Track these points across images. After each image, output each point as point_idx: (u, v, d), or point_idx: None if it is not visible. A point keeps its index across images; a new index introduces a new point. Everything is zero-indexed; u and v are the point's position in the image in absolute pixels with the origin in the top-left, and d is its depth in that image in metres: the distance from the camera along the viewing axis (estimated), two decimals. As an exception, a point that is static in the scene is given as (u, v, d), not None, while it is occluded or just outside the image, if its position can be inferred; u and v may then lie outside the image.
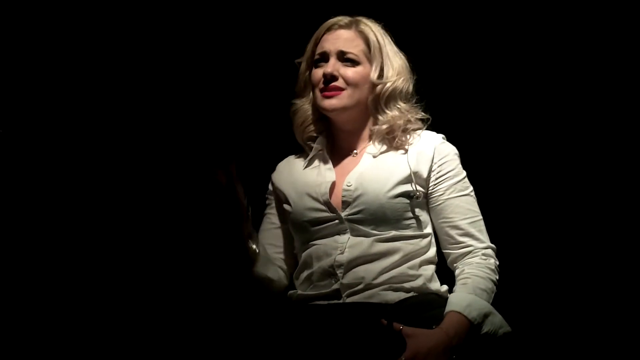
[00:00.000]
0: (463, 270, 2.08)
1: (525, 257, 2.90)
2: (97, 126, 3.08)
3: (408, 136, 2.16)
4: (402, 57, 2.21)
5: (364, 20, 2.22)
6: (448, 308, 2.00)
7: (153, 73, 3.10)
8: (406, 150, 2.14)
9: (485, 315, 2.00)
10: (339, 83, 2.13)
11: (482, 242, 2.11)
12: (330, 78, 2.13)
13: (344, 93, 2.13)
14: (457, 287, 2.05)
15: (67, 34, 3.05)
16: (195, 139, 3.10)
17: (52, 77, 3.05)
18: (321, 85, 2.14)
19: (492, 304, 2.05)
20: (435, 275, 2.12)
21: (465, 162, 2.17)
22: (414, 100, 2.20)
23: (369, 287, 2.03)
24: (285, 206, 2.18)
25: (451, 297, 2.03)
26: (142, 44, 3.09)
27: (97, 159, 3.08)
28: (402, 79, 2.17)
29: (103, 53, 3.09)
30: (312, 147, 2.22)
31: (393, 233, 2.07)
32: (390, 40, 2.21)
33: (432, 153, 2.12)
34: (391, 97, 2.16)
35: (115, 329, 2.98)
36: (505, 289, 2.13)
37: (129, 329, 2.98)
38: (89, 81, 3.08)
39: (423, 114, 2.20)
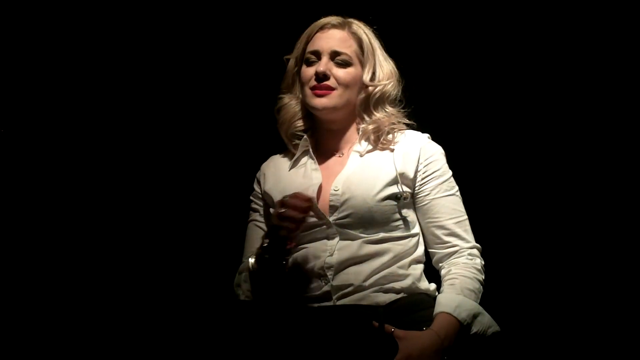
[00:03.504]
0: (450, 270, 2.08)
1: (511, 256, 2.90)
2: (97, 126, 3.10)
3: (393, 135, 2.16)
4: (391, 62, 2.22)
5: (357, 22, 2.22)
6: (437, 309, 2.00)
7: (150, 72, 3.12)
8: (392, 151, 2.14)
9: (475, 316, 2.00)
10: (331, 82, 2.13)
11: (468, 241, 2.12)
12: (322, 77, 2.13)
13: (335, 93, 2.13)
14: (445, 288, 2.05)
15: (67, 34, 3.06)
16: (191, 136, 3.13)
17: (52, 77, 3.06)
18: (312, 83, 2.14)
19: (479, 304, 2.05)
20: (423, 275, 2.12)
21: (450, 163, 2.18)
22: (401, 106, 2.21)
23: (359, 289, 2.03)
24: (272, 210, 2.16)
25: (439, 297, 2.03)
26: (137, 44, 3.10)
27: (97, 159, 3.09)
28: (391, 83, 2.18)
29: (103, 53, 3.11)
30: (297, 146, 2.20)
31: (382, 235, 2.07)
32: (380, 44, 2.22)
33: (418, 153, 2.13)
34: (380, 100, 2.17)
35: (111, 329, 2.99)
36: (492, 289, 2.14)
37: (123, 329, 2.99)
38: (89, 81, 3.10)
39: (407, 120, 2.21)
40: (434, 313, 1.99)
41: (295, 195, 1.97)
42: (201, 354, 2.94)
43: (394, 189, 2.08)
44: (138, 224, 3.08)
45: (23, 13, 3.02)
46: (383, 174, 2.10)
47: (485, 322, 2.02)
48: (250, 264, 2.10)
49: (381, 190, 2.07)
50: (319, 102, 2.13)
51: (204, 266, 3.02)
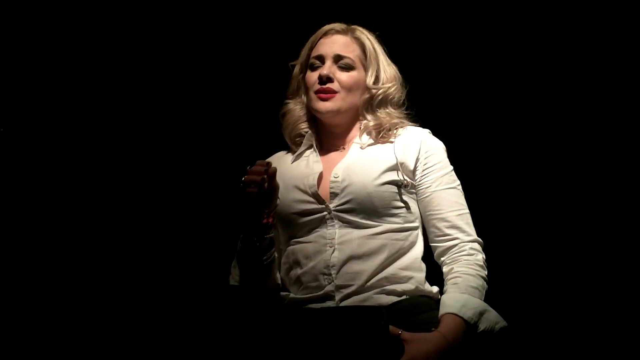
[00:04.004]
0: (452, 268, 2.07)
1: (514, 251, 2.93)
2: (97, 126, 3.10)
3: (394, 130, 2.19)
4: (394, 67, 2.25)
5: (360, 28, 2.26)
6: (443, 310, 2.00)
7: (151, 73, 3.12)
8: (392, 142, 2.16)
9: (481, 313, 2.00)
10: (334, 85, 2.16)
11: (469, 235, 2.11)
12: (325, 80, 2.16)
13: (338, 96, 2.16)
14: (449, 288, 2.05)
15: (67, 34, 3.06)
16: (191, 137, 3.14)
17: (52, 77, 3.07)
18: (316, 87, 2.17)
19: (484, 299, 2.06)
20: (425, 279, 2.13)
21: (453, 163, 2.19)
22: (404, 108, 2.24)
23: (361, 289, 2.03)
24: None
25: (444, 298, 2.03)
26: (140, 45, 3.11)
27: (97, 159, 3.10)
28: (394, 87, 2.22)
29: (103, 53, 3.10)
30: (301, 144, 2.23)
31: (382, 226, 2.07)
32: (383, 50, 2.25)
33: (419, 145, 2.15)
34: (383, 102, 2.20)
35: (112, 329, 3.00)
36: (497, 284, 2.15)
37: (124, 329, 3.01)
38: (89, 81, 3.10)
39: (410, 122, 2.23)
40: (440, 314, 1.99)
41: (256, 163, 2.02)
42: (203, 352, 2.97)
43: (393, 176, 2.09)
44: (141, 222, 3.10)
45: (23, 13, 3.02)
46: (383, 160, 2.11)
47: (492, 318, 2.01)
48: (238, 248, 2.13)
49: (380, 175, 2.08)
50: (323, 105, 2.16)
51: (205, 262, 3.03)
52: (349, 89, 2.17)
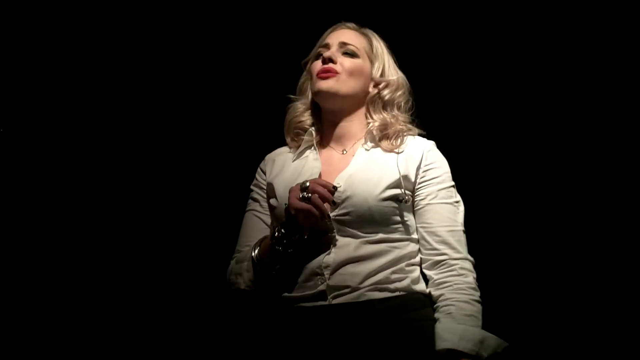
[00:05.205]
0: (443, 295, 2.01)
1: (514, 266, 2.92)
2: (97, 126, 3.10)
3: (400, 140, 2.15)
4: (403, 75, 2.23)
5: (370, 30, 2.25)
6: (441, 345, 1.94)
7: (153, 73, 3.12)
8: (397, 154, 2.12)
9: (481, 342, 1.94)
10: (336, 67, 2.14)
11: (458, 252, 2.04)
12: (328, 61, 2.14)
13: (338, 77, 2.13)
14: (442, 317, 1.98)
15: (67, 34, 3.07)
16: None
17: (52, 77, 3.07)
18: (318, 68, 2.15)
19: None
20: (420, 277, 2.08)
21: (455, 173, 2.16)
22: (410, 119, 2.20)
23: (355, 289, 2.00)
24: (272, 201, 2.15)
25: (439, 329, 1.96)
26: (142, 46, 3.12)
27: (96, 158, 3.10)
28: (401, 91, 2.19)
29: (103, 53, 3.10)
30: (301, 142, 2.20)
31: (380, 235, 2.04)
32: (391, 56, 2.24)
33: (421, 157, 2.11)
34: (389, 103, 2.17)
35: (109, 329, 3.01)
36: (497, 299, 2.13)
37: (120, 328, 3.01)
38: (89, 81, 3.10)
39: (417, 129, 2.20)
40: (437, 348, 1.94)
41: (318, 182, 1.97)
42: (198, 349, 2.98)
43: (396, 191, 2.06)
44: (135, 221, 3.10)
45: (23, 13, 3.02)
46: (386, 175, 2.07)
47: (493, 343, 1.95)
48: (253, 254, 2.08)
49: (383, 191, 2.04)
50: (323, 83, 2.13)
51: (198, 259, 3.04)
52: (350, 72, 2.14)
